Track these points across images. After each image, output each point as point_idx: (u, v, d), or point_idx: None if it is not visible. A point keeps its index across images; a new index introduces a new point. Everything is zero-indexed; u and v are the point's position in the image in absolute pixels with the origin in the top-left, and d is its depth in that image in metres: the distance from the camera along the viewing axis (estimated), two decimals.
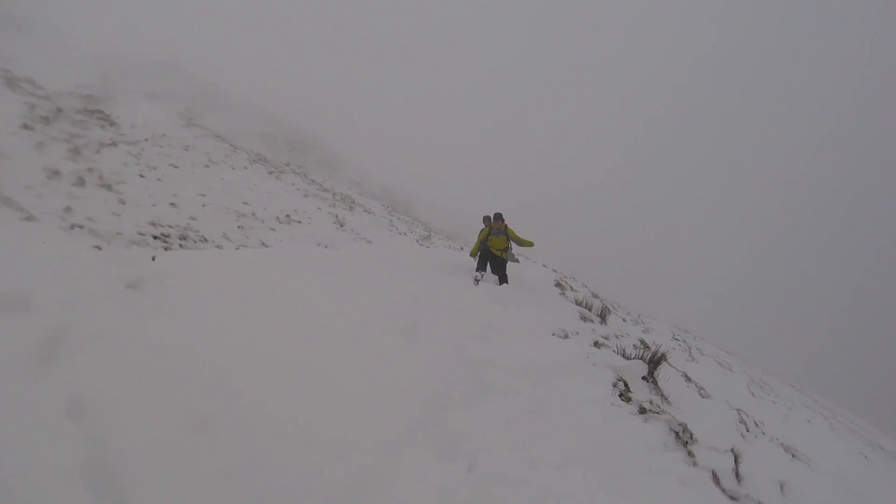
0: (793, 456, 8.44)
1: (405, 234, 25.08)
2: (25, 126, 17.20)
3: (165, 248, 11.95)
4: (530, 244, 12.60)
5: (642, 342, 11.00)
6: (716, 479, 4.91)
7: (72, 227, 11.10)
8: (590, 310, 11.78)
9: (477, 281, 11.64)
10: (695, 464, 4.97)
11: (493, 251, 12.36)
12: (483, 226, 13.45)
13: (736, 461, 5.46)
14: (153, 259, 6.73)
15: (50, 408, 3.35)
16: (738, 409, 9.20)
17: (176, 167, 20.65)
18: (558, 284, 15.30)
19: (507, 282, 12.21)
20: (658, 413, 5.89)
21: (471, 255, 12.99)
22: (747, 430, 8.00)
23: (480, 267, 12.47)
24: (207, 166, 22.96)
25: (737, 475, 5.29)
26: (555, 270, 20.98)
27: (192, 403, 3.80)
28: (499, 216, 12.63)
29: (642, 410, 5.91)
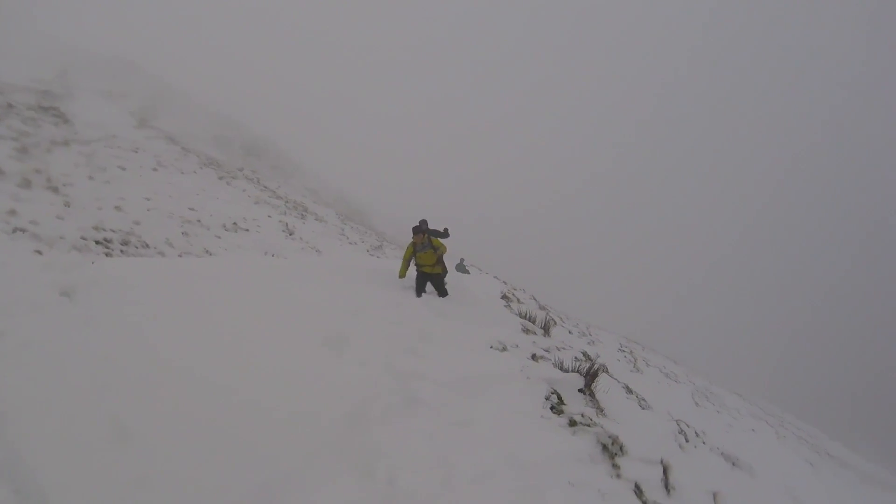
0: (733, 465, 8.65)
1: (356, 243, 25.11)
2: None
3: (107, 254, 11.84)
4: (443, 250, 11.58)
5: (584, 354, 11.16)
6: (638, 490, 5.03)
7: (14, 230, 10.98)
8: (533, 322, 11.80)
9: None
10: (618, 476, 5.09)
11: (424, 269, 11.47)
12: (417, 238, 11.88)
13: (666, 472, 5.59)
14: (92, 263, 6.70)
15: None
16: (677, 420, 9.37)
17: (124, 169, 20.43)
18: (504, 297, 15.38)
19: (446, 294, 11.60)
20: (588, 426, 5.94)
21: (399, 276, 11.75)
22: (686, 441, 8.13)
23: (420, 286, 11.53)
24: (156, 169, 22.72)
25: (666, 486, 5.43)
26: (504, 282, 21.18)
27: (114, 411, 3.87)
28: (419, 228, 11.46)
29: (572, 423, 5.98)
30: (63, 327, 4.70)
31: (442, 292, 11.68)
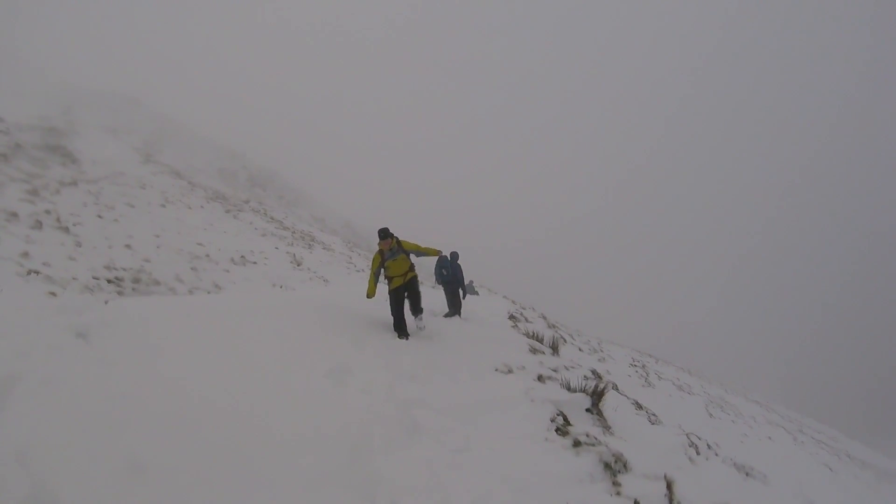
0: (747, 475, 8.69)
1: (363, 270, 25.20)
2: None
3: (118, 293, 12.07)
4: (436, 252, 10.27)
5: (594, 372, 11.22)
6: None
7: (28, 272, 11.23)
8: (541, 341, 11.84)
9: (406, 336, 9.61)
10: (619, 493, 5.11)
11: (396, 283, 9.91)
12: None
13: (669, 487, 5.63)
14: (105, 303, 6.89)
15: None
16: (688, 433, 9.41)
17: (132, 206, 20.75)
18: (512, 317, 15.48)
19: (421, 312, 10.18)
20: (593, 445, 5.97)
21: (367, 295, 9.79)
22: (697, 453, 8.17)
23: (399, 324, 9.78)
24: (164, 206, 23.02)
25: (670, 501, 5.49)
26: (513, 302, 21.31)
27: (131, 447, 4.07)
28: (385, 232, 9.76)
29: (577, 444, 5.99)
30: (79, 368, 4.88)
31: (416, 308, 10.16)
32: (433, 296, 15.66)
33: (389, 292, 9.99)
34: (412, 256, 10.17)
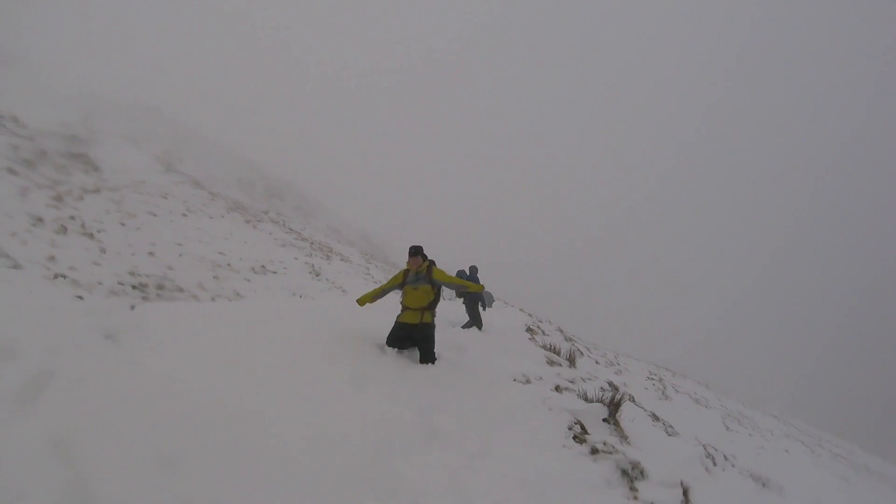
0: (763, 486, 8.68)
1: (380, 282, 25.27)
2: (10, 170, 17.62)
3: (143, 298, 12.26)
4: (479, 288, 8.51)
5: (611, 384, 11.26)
6: None
7: (55, 276, 11.42)
8: (558, 354, 11.90)
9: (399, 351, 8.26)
10: (636, 498, 5.19)
11: (404, 318, 8.31)
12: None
13: (686, 494, 5.69)
14: (132, 308, 7.03)
15: (35, 443, 3.71)
16: (704, 445, 9.42)
17: (155, 215, 21.02)
18: (529, 329, 15.54)
19: (432, 360, 8.21)
20: (610, 453, 6.01)
21: (358, 301, 8.78)
22: (714, 464, 8.17)
23: (394, 340, 8.31)
24: (185, 215, 23.29)
25: None
26: (529, 315, 21.32)
27: (162, 443, 4.19)
28: (416, 250, 8.41)
29: (594, 451, 6.03)
30: (109, 367, 5.01)
31: (428, 357, 8.22)
32: (451, 308, 15.75)
33: (396, 321, 8.42)
34: (443, 288, 8.64)
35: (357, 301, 8.75)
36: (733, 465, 9.34)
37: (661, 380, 23.62)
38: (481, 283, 14.12)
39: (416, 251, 8.34)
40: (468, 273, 14.24)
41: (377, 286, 9.04)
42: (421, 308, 8.19)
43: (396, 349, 8.18)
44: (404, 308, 8.32)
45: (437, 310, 8.66)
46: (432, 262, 8.48)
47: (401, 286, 8.49)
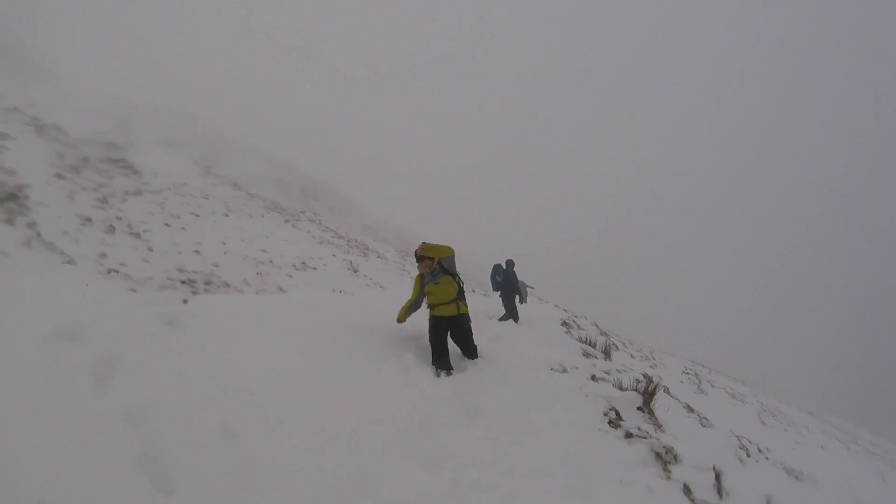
0: (796, 478, 8.72)
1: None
2: (58, 176, 18.10)
3: (193, 293, 12.62)
4: (449, 252, 8.44)
5: (645, 376, 11.36)
6: (687, 490, 5.27)
7: (108, 271, 11.84)
8: (594, 347, 11.99)
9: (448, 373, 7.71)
10: (668, 478, 5.36)
11: (438, 312, 8.09)
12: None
13: (718, 478, 5.79)
14: (185, 301, 7.37)
15: (110, 415, 4.02)
16: (739, 436, 9.46)
17: (197, 216, 21.48)
18: (565, 323, 15.64)
19: (476, 355, 8.32)
20: (644, 438, 6.16)
21: (398, 320, 8.39)
22: (748, 455, 8.13)
23: (440, 357, 7.90)
24: (227, 215, 23.77)
25: (719, 491, 5.68)
26: (565, 310, 21.41)
27: (222, 416, 4.53)
28: (422, 257, 8.37)
29: (629, 435, 6.21)
30: (170, 351, 5.29)
31: (471, 351, 8.30)
32: (487, 302, 15.97)
33: (431, 317, 8.18)
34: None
35: (397, 321, 8.40)
36: (767, 458, 9.36)
37: (696, 374, 23.56)
38: (519, 278, 14.36)
39: (420, 257, 8.31)
40: (504, 267, 14.38)
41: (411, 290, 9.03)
42: (453, 300, 8.09)
43: (446, 372, 7.67)
44: (436, 306, 8.12)
45: (472, 303, 8.62)
46: (441, 261, 8.36)
47: (422, 290, 8.40)
